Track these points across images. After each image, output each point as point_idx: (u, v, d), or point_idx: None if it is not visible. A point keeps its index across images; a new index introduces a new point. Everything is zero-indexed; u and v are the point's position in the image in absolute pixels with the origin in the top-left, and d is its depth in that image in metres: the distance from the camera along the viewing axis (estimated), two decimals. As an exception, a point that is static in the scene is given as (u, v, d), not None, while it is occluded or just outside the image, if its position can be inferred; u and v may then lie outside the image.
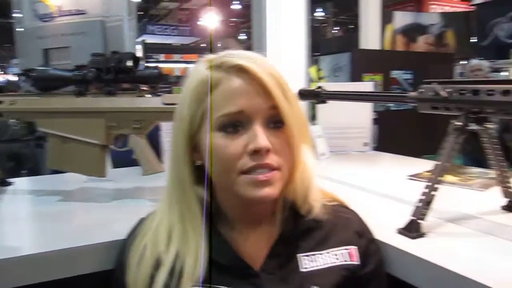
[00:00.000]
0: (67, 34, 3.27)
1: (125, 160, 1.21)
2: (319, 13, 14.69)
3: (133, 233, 0.70)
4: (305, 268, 0.66)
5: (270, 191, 0.61)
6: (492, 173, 0.90)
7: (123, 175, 1.28)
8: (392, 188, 1.11)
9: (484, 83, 0.72)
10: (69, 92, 1.03)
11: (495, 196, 0.92)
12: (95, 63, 1.00)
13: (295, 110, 0.63)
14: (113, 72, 0.99)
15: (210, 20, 13.39)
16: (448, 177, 1.17)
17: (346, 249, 0.69)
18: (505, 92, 0.67)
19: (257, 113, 0.61)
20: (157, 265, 0.63)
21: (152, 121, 1.02)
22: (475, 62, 3.73)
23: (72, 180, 1.21)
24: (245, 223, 0.68)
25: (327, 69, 4.89)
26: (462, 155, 3.40)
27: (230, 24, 16.16)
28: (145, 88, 1.04)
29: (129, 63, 0.99)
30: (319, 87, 1.10)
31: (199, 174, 0.65)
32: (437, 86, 0.78)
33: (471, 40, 7.62)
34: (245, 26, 15.83)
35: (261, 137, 0.59)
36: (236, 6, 14.58)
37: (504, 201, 0.90)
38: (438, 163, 0.77)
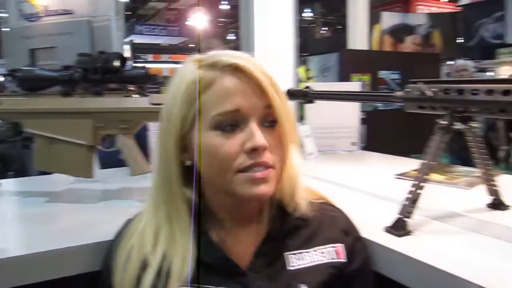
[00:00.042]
0: (54, 34, 3.23)
1: (112, 160, 1.20)
2: (308, 14, 14.75)
3: (120, 234, 0.70)
4: (292, 266, 0.66)
5: (266, 189, 0.61)
6: (477, 171, 0.91)
7: (111, 175, 1.28)
8: (380, 187, 1.12)
9: (469, 82, 0.73)
10: (55, 92, 1.02)
11: (481, 194, 0.93)
12: (82, 63, 0.99)
13: (287, 109, 0.64)
14: (100, 72, 0.98)
15: (198, 20, 13.36)
16: (435, 176, 1.18)
17: (332, 247, 0.70)
18: (489, 92, 0.68)
19: (253, 111, 0.61)
20: (143, 266, 0.63)
21: (140, 121, 1.01)
22: (460, 62, 3.78)
23: (59, 181, 1.20)
24: (234, 222, 0.68)
25: (316, 69, 4.91)
26: (449, 154, 3.43)
27: (219, 24, 16.13)
28: (132, 88, 1.03)
29: (116, 63, 0.99)
30: (307, 87, 1.11)
31: (187, 174, 0.65)
32: (422, 86, 0.79)
33: (457, 41, 7.71)
34: (233, 26, 15.83)
35: (258, 135, 0.60)
36: (225, 6, 14.57)
37: (489, 199, 0.92)
38: (424, 162, 0.78)
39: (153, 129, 1.23)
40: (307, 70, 4.97)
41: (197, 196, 0.65)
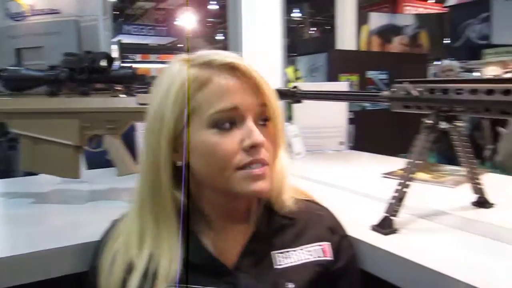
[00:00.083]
0: (40, 34, 3.20)
1: (100, 161, 1.19)
2: (296, 14, 14.79)
3: (106, 235, 0.70)
4: (279, 265, 0.66)
5: (264, 185, 0.62)
6: (463, 170, 0.93)
7: (98, 176, 1.27)
8: (367, 186, 1.13)
9: (454, 82, 0.74)
10: (41, 92, 1.01)
11: (466, 193, 0.94)
12: (68, 63, 0.98)
13: (279, 108, 0.65)
14: (86, 72, 0.98)
15: (187, 20, 13.32)
16: (421, 175, 1.19)
17: (319, 245, 0.70)
18: (473, 91, 0.69)
19: (249, 109, 0.62)
20: (129, 269, 0.63)
21: (127, 121, 1.01)
22: (446, 62, 3.83)
23: (46, 182, 1.19)
24: (222, 221, 0.68)
25: (304, 69, 4.92)
26: (436, 153, 3.47)
27: (207, 24, 16.10)
28: (119, 88, 1.03)
29: (103, 63, 0.98)
30: (295, 87, 1.11)
31: (177, 175, 0.65)
32: (408, 86, 0.79)
33: (444, 41, 7.78)
34: (222, 27, 15.80)
35: (257, 132, 0.61)
36: (213, 6, 14.54)
37: (474, 197, 0.93)
38: (410, 160, 0.79)
39: (141, 129, 1.22)
40: (296, 70, 4.98)
41: (185, 196, 0.65)
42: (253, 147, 0.61)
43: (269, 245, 0.68)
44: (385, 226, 0.78)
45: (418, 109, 0.79)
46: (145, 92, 1.00)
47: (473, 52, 7.12)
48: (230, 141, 0.61)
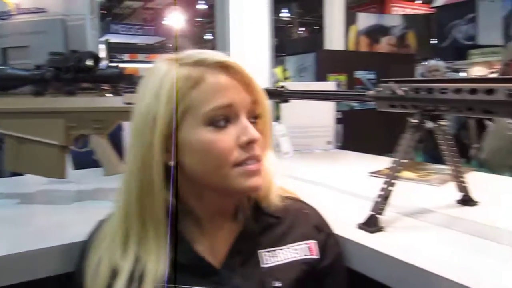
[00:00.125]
0: (26, 33, 3.16)
1: (86, 161, 1.19)
2: (285, 14, 14.81)
3: (92, 236, 0.69)
4: (266, 263, 0.67)
5: (259, 181, 0.63)
6: (448, 169, 0.94)
7: (85, 176, 1.26)
8: (353, 184, 1.14)
9: (438, 82, 0.75)
10: (27, 92, 1.00)
11: (451, 191, 0.96)
12: (54, 62, 0.98)
13: (268, 105, 0.67)
14: (72, 71, 0.97)
15: (175, 20, 13.27)
16: (407, 174, 1.20)
17: (306, 243, 0.71)
18: (457, 91, 0.70)
19: (243, 107, 0.63)
20: (114, 274, 0.62)
21: (114, 121, 1.00)
22: (433, 62, 3.87)
23: (32, 182, 1.18)
24: (210, 221, 0.67)
25: (293, 69, 4.93)
26: (422, 152, 3.50)
27: (196, 24, 16.06)
28: (106, 88, 1.02)
29: (89, 62, 0.97)
30: (282, 86, 1.11)
31: (167, 175, 0.65)
32: (393, 85, 0.80)
33: (431, 42, 7.85)
34: (210, 26, 15.77)
35: (252, 128, 0.62)
36: (202, 6, 14.50)
37: (459, 195, 0.94)
38: (395, 159, 0.80)
39: (129, 129, 1.22)
40: (284, 70, 4.99)
41: (174, 196, 0.64)
42: (249, 143, 0.62)
43: (256, 244, 0.68)
44: (371, 224, 0.78)
45: (403, 109, 0.80)
46: (133, 92, 0.99)
47: (459, 52, 7.19)
48: (226, 138, 0.61)
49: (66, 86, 0.98)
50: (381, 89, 0.83)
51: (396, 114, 0.84)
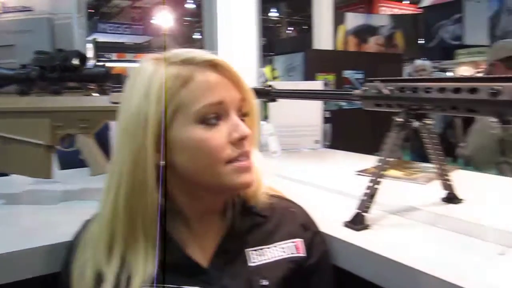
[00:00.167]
0: (12, 32, 3.11)
1: (73, 161, 1.18)
2: (273, 13, 14.83)
3: (77, 237, 0.68)
4: (253, 262, 0.67)
5: (251, 177, 0.64)
6: (434, 167, 0.95)
7: (71, 176, 1.25)
8: (341, 183, 1.14)
9: (423, 81, 0.76)
10: (12, 91, 0.99)
11: (436, 189, 0.97)
12: (39, 61, 0.97)
13: (255, 103, 0.68)
14: (58, 71, 0.96)
15: (164, 19, 13.21)
16: (393, 172, 1.22)
17: (292, 242, 0.71)
18: (441, 90, 0.71)
19: (232, 104, 0.63)
20: (99, 278, 0.61)
21: (100, 120, 1.00)
22: (419, 62, 3.92)
23: (18, 182, 1.17)
24: (198, 219, 0.67)
25: (281, 69, 4.93)
26: (410, 151, 3.53)
27: (184, 23, 16.00)
28: (92, 87, 1.02)
29: (75, 61, 0.97)
30: (269, 86, 1.12)
31: (157, 175, 0.64)
32: (379, 84, 0.81)
33: (418, 42, 7.92)
34: (199, 26, 15.73)
35: (243, 125, 0.63)
36: (191, 5, 14.46)
37: (444, 193, 0.95)
38: (381, 158, 0.80)
39: (116, 129, 1.21)
40: (273, 69, 5.00)
41: (163, 196, 0.64)
42: (241, 140, 0.62)
43: (243, 243, 0.69)
44: (357, 222, 0.79)
45: (389, 108, 0.81)
46: (120, 91, 0.99)
47: (446, 52, 7.27)
48: (218, 135, 0.61)
49: (51, 85, 0.98)
50: (367, 88, 0.84)
51: (384, 113, 0.85)
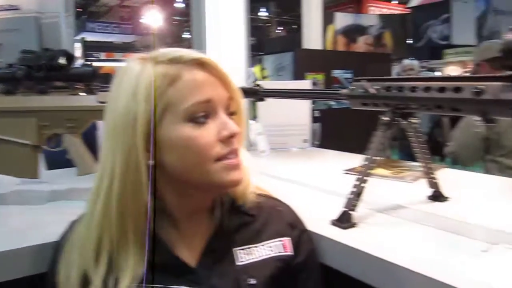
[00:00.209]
0: (-2, 31, 3.08)
1: (61, 160, 1.17)
2: (263, 13, 14.85)
3: (64, 238, 0.68)
4: (241, 261, 0.67)
5: (240, 175, 0.65)
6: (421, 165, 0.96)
7: (59, 176, 1.24)
8: (328, 182, 1.15)
9: (409, 80, 0.76)
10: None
11: (423, 188, 0.98)
12: (25, 61, 0.96)
13: (243, 102, 0.68)
14: (44, 70, 0.96)
15: (153, 18, 13.15)
16: (381, 171, 1.22)
17: (280, 240, 0.71)
18: (426, 89, 0.72)
19: (220, 102, 0.64)
20: (86, 280, 0.61)
21: (87, 119, 0.99)
22: (407, 62, 3.95)
23: (4, 182, 1.15)
24: (186, 219, 0.67)
25: (271, 68, 4.95)
26: (398, 150, 3.56)
27: (173, 22, 15.94)
28: (79, 87, 1.01)
29: (62, 61, 0.96)
30: (257, 85, 1.12)
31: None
32: (366, 84, 0.82)
33: (407, 41, 7.98)
34: (188, 25, 15.67)
35: (231, 123, 0.63)
36: (180, 5, 14.42)
37: (430, 191, 0.96)
38: (367, 156, 0.81)
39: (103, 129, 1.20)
40: (263, 69, 5.01)
41: (153, 196, 0.63)
42: (230, 138, 0.62)
43: (230, 242, 0.69)
44: (344, 221, 0.80)
45: (375, 106, 0.82)
46: (108, 91, 0.99)
47: (434, 52, 7.34)
48: (207, 134, 0.62)
49: (38, 84, 0.97)
50: (354, 87, 0.84)
51: (374, 112, 0.85)
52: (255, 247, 0.69)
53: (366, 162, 0.81)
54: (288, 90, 1.15)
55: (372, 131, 0.83)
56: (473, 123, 1.84)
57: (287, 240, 0.72)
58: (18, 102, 0.97)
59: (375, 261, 0.68)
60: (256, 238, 0.70)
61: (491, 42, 2.31)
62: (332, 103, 4.33)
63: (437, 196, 0.95)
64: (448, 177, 1.04)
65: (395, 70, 5.43)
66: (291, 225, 0.74)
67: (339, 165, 1.35)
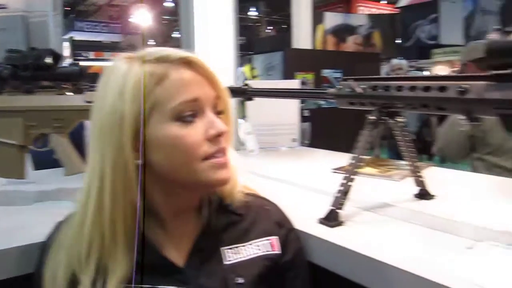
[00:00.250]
0: (-15, 30, 3.04)
1: (48, 161, 1.16)
2: (252, 13, 14.85)
3: (50, 239, 0.68)
4: (229, 260, 0.67)
5: (228, 174, 0.65)
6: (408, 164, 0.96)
7: (46, 176, 1.23)
8: (316, 181, 1.16)
9: (395, 79, 0.77)
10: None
11: (410, 186, 0.98)
12: (11, 60, 0.95)
13: (230, 101, 0.69)
14: (31, 69, 0.95)
15: (142, 17, 13.08)
16: (369, 169, 1.23)
17: (267, 239, 0.72)
18: (412, 88, 0.73)
19: (207, 101, 0.64)
20: (73, 281, 0.60)
21: (74, 119, 0.99)
22: (396, 61, 3.99)
23: (-9, 183, 1.15)
24: (173, 218, 0.67)
25: (261, 68, 4.95)
26: (387, 149, 3.58)
27: (163, 22, 15.88)
28: (66, 86, 1.00)
29: (49, 60, 0.96)
30: (246, 84, 1.12)
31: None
32: (353, 83, 0.82)
33: (396, 41, 8.04)
34: (178, 24, 15.62)
35: (219, 122, 0.63)
36: (169, 4, 14.36)
37: (416, 189, 0.97)
38: (354, 155, 0.82)
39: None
40: (252, 68, 5.01)
41: (142, 195, 0.62)
42: (217, 137, 0.63)
43: (218, 241, 0.69)
44: (331, 219, 0.80)
45: (362, 106, 0.83)
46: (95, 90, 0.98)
47: (423, 51, 7.40)
48: (194, 133, 0.62)
49: (24, 84, 0.96)
50: (342, 87, 0.85)
51: (363, 111, 0.86)
52: (243, 246, 0.69)
53: (353, 161, 0.82)
54: (276, 89, 1.16)
55: (361, 130, 0.84)
56: (458, 121, 1.86)
57: (274, 239, 0.72)
58: (4, 102, 0.96)
59: (362, 259, 0.69)
60: (243, 237, 0.70)
61: (477, 43, 2.33)
62: (322, 102, 4.34)
63: (424, 194, 0.96)
64: (435, 175, 1.05)
65: (384, 69, 5.47)
66: (279, 224, 0.74)
67: (328, 164, 1.36)
